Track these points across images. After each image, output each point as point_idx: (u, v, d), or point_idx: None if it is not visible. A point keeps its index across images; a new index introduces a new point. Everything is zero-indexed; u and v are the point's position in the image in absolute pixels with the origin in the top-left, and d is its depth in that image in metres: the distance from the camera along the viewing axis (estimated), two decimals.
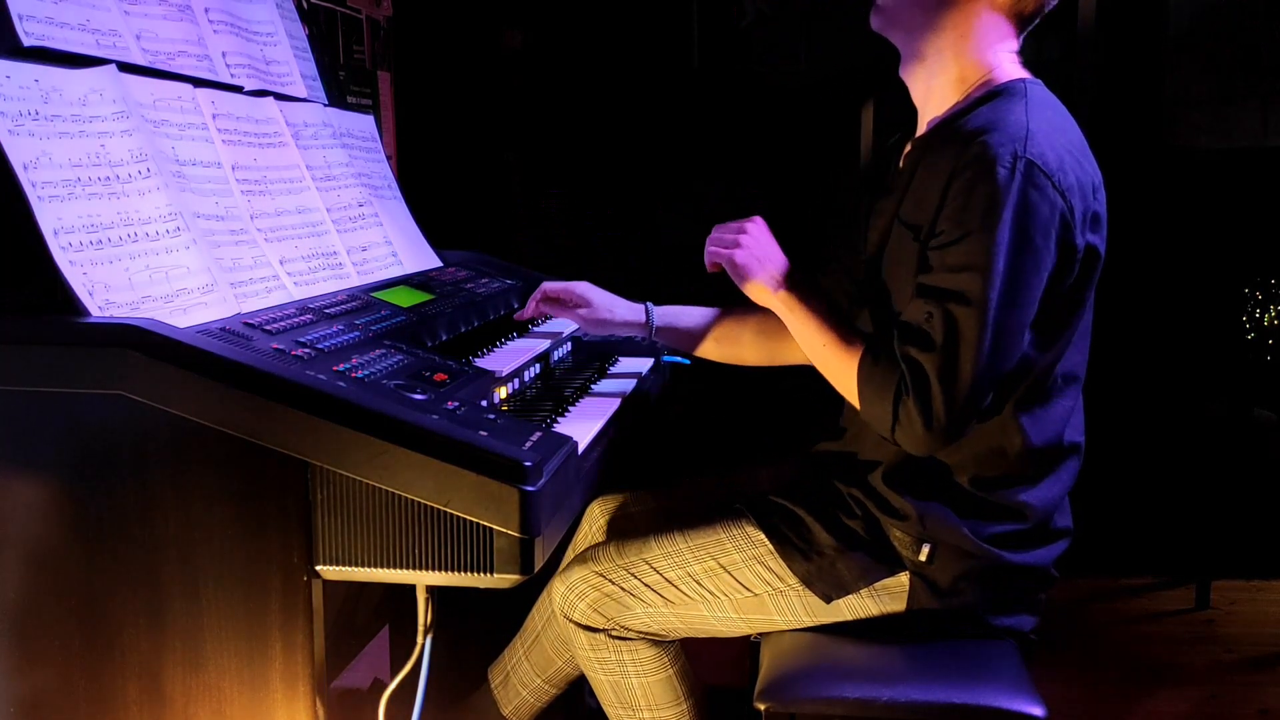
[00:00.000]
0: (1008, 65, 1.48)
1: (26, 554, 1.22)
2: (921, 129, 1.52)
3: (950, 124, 1.45)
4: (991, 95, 1.43)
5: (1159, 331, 3.53)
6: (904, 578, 1.48)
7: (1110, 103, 3.51)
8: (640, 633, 1.55)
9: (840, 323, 1.51)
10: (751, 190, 3.69)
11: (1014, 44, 1.49)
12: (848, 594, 1.49)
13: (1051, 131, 1.38)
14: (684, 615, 1.53)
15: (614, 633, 1.55)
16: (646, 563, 1.54)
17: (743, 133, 3.68)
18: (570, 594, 1.55)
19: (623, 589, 1.53)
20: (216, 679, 1.22)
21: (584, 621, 1.54)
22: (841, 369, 1.47)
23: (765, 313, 1.83)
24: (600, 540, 1.87)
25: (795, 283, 1.53)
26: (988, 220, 1.33)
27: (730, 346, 1.84)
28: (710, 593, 1.52)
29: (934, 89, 1.50)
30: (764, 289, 1.53)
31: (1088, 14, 3.49)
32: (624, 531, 1.85)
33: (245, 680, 1.21)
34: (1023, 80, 1.45)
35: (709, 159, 3.69)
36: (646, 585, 1.53)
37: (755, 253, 1.54)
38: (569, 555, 1.91)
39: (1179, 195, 3.51)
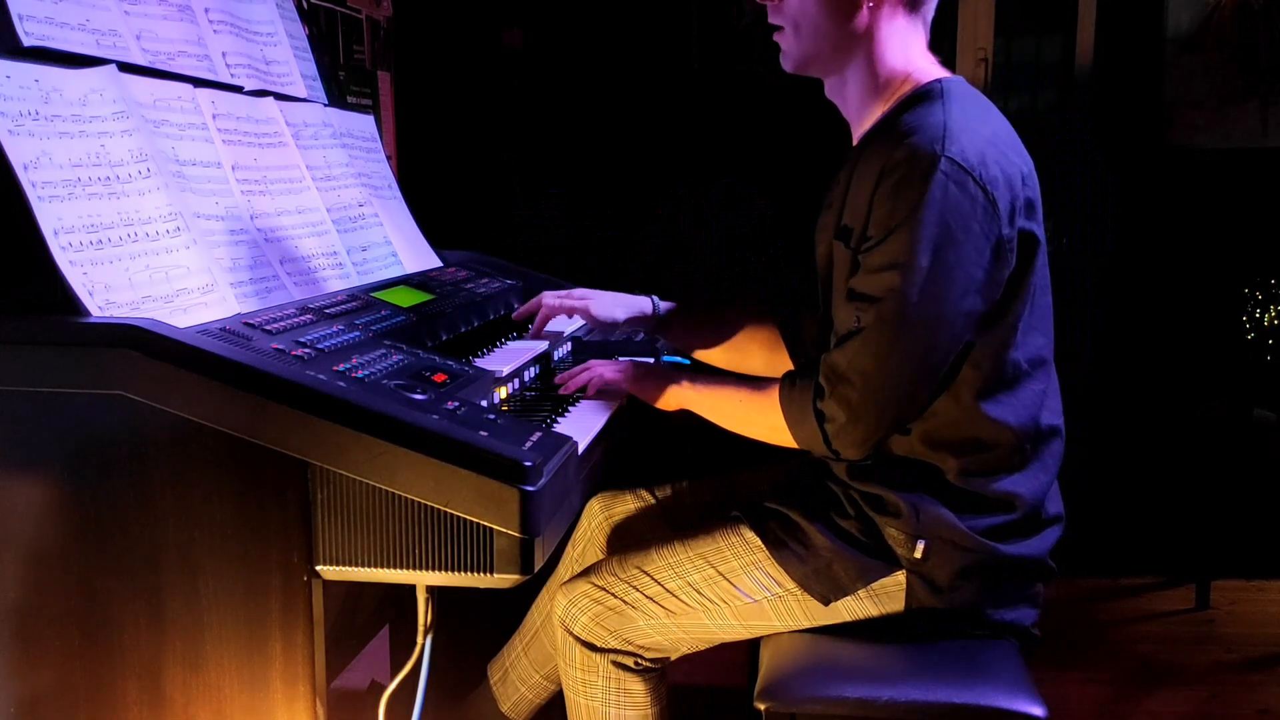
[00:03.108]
0: (925, 65, 1.50)
1: (26, 554, 1.22)
2: (855, 142, 1.54)
3: (876, 132, 1.48)
4: (913, 100, 1.46)
5: (1159, 331, 3.53)
6: (901, 577, 1.48)
7: (1110, 103, 3.51)
8: (643, 647, 1.54)
9: (745, 378, 1.61)
10: (751, 190, 3.69)
11: (922, 39, 1.51)
12: (845, 595, 1.49)
13: (970, 126, 1.40)
14: (685, 625, 1.53)
15: (614, 657, 1.53)
16: (647, 574, 1.53)
17: (743, 133, 3.68)
18: (573, 608, 1.54)
19: (624, 601, 1.53)
20: (216, 679, 1.22)
21: (585, 636, 1.53)
22: (764, 410, 1.51)
23: (773, 326, 1.84)
24: (599, 538, 1.87)
25: (688, 371, 1.65)
26: (910, 219, 1.35)
27: (738, 355, 1.85)
28: (710, 601, 1.52)
29: (860, 105, 1.52)
30: (670, 388, 1.61)
31: (1087, 14, 3.49)
32: (623, 530, 1.86)
33: (245, 680, 1.21)
34: (940, 80, 1.48)
35: (709, 159, 3.69)
36: (648, 597, 1.52)
37: (631, 371, 1.65)
38: (569, 552, 1.91)
39: (1179, 195, 3.51)
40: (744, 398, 1.56)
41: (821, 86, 1.57)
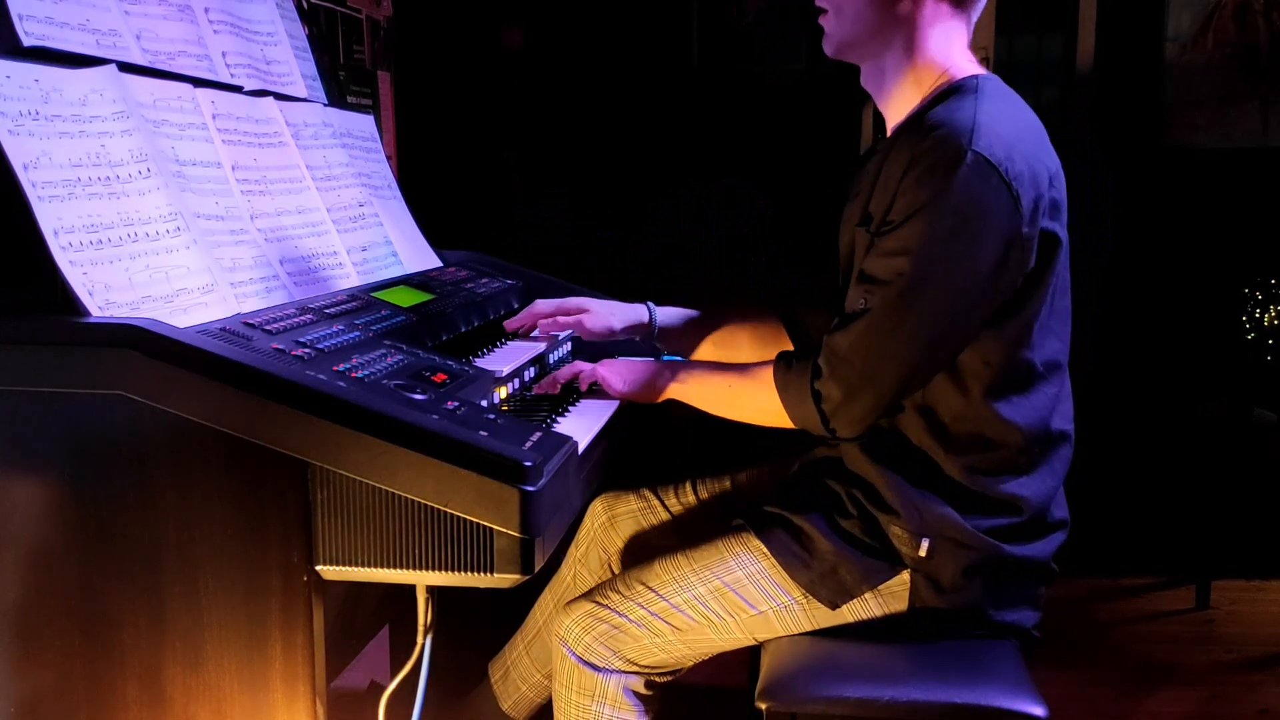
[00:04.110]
0: (963, 62, 1.51)
1: (26, 554, 1.22)
2: (889, 134, 1.54)
3: (909, 124, 1.48)
4: (947, 93, 1.46)
5: (1159, 331, 3.53)
6: (905, 577, 1.48)
7: (1110, 103, 3.51)
8: (649, 666, 1.53)
9: (731, 364, 1.61)
10: (751, 190, 3.69)
11: (964, 37, 1.52)
12: (852, 598, 1.49)
13: (1000, 122, 1.40)
14: (691, 640, 1.52)
15: (625, 681, 1.52)
16: (651, 590, 1.52)
17: (743, 132, 3.68)
18: (575, 627, 1.53)
19: (629, 619, 1.51)
20: (216, 679, 1.22)
21: (587, 656, 1.52)
22: (757, 393, 1.51)
23: (761, 318, 1.84)
24: (602, 537, 1.87)
25: (673, 363, 1.65)
26: (928, 208, 1.36)
27: (728, 350, 1.85)
28: (716, 614, 1.51)
29: (895, 95, 1.53)
30: (654, 381, 1.61)
31: (1088, 13, 3.50)
32: (626, 529, 1.86)
33: (245, 680, 1.21)
34: (976, 76, 1.48)
35: (709, 158, 3.69)
36: (652, 614, 1.51)
37: (620, 369, 1.63)
38: (571, 552, 1.91)
39: (1179, 195, 3.51)
40: (734, 382, 1.56)
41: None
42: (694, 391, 1.59)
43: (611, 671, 1.52)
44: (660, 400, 1.63)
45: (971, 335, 1.42)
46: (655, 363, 1.65)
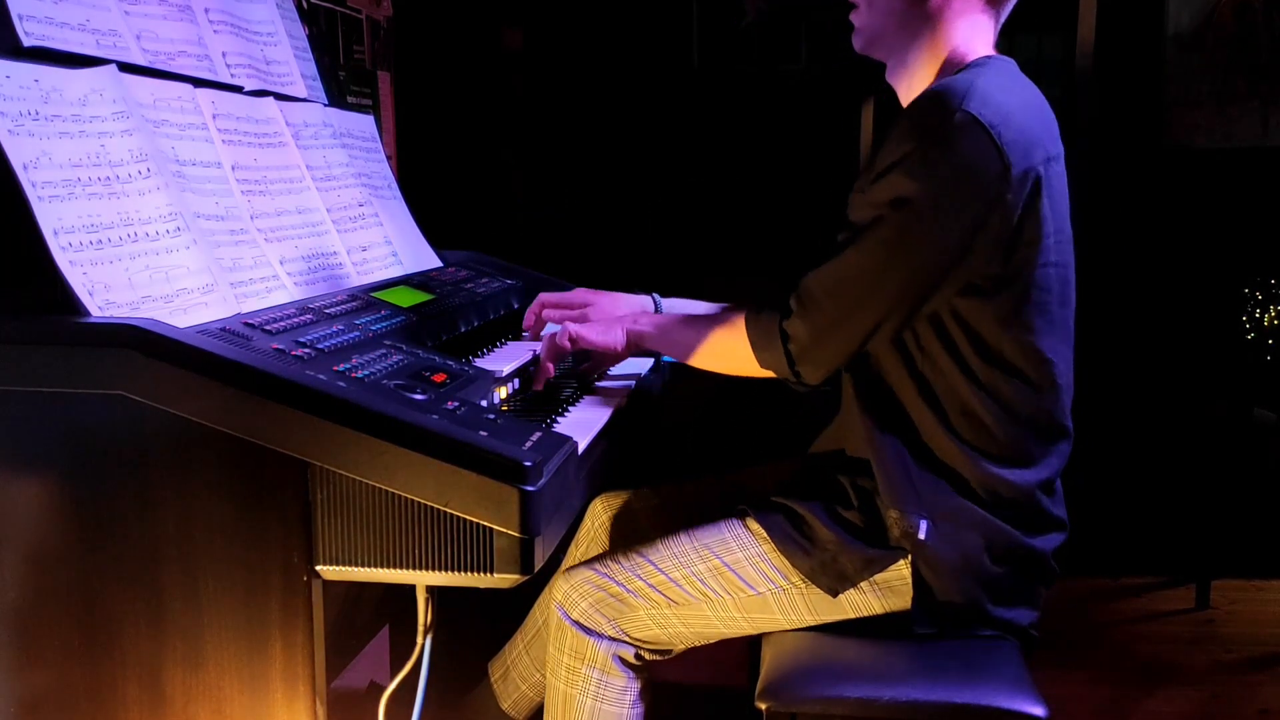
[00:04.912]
0: (980, 48, 1.51)
1: (26, 554, 1.22)
2: None
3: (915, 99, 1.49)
4: (955, 71, 1.47)
5: (1159, 331, 3.53)
6: (905, 570, 1.48)
7: (1110, 103, 3.51)
8: (642, 640, 1.54)
9: (708, 314, 1.61)
10: (751, 190, 3.69)
11: (990, 34, 1.53)
12: (851, 586, 1.49)
13: (1000, 91, 1.40)
14: (687, 617, 1.53)
15: (615, 649, 1.53)
16: (651, 563, 1.53)
17: (743, 132, 3.68)
18: (574, 593, 1.54)
19: (627, 589, 1.53)
20: (216, 679, 1.22)
21: (583, 621, 1.53)
22: (729, 338, 1.52)
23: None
24: (603, 536, 1.87)
25: (648, 312, 1.65)
26: (910, 160, 1.36)
27: None
28: (714, 592, 1.52)
29: (914, 84, 1.54)
30: (625, 330, 1.62)
31: (1088, 14, 3.49)
32: (626, 528, 1.86)
33: (245, 680, 1.21)
34: (988, 57, 1.49)
35: (709, 158, 3.69)
36: (651, 586, 1.52)
37: (593, 324, 1.64)
38: (571, 551, 1.91)
39: (1179, 195, 3.51)
40: (704, 328, 1.56)
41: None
42: (668, 339, 1.60)
43: (604, 638, 1.53)
44: (631, 351, 1.64)
45: (941, 287, 1.41)
46: (630, 314, 1.65)
